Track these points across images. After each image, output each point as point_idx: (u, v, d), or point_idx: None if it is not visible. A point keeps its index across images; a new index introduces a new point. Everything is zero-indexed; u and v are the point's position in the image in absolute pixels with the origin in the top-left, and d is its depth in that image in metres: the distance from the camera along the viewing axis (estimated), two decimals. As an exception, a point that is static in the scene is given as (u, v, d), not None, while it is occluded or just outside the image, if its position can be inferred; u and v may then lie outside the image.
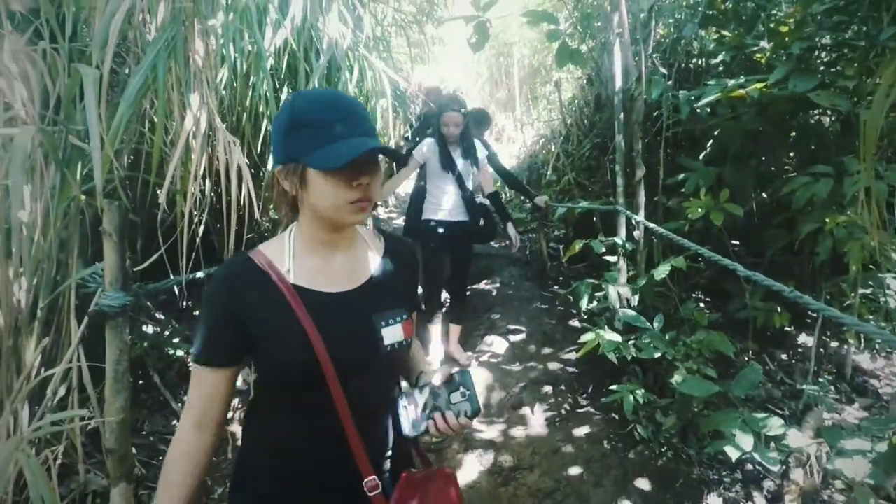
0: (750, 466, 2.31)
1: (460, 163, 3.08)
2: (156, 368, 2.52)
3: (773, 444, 2.03)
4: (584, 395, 2.88)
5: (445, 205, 3.10)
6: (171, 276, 1.95)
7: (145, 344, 2.47)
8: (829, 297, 2.82)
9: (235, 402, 2.65)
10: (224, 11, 1.92)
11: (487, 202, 3.35)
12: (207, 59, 1.85)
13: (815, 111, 2.83)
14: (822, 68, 2.58)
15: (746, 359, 2.92)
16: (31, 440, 1.46)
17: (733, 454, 1.91)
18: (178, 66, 1.74)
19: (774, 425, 2.01)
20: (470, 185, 3.16)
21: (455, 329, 3.36)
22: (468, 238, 3.22)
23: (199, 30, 1.81)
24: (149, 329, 2.58)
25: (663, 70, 3.06)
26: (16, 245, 1.58)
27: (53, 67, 1.62)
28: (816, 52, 2.62)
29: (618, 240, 2.95)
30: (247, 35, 2.00)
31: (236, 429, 2.51)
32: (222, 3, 1.92)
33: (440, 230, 3.09)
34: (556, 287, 4.22)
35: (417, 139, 3.97)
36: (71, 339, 1.64)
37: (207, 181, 1.93)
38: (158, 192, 2.42)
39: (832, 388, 2.84)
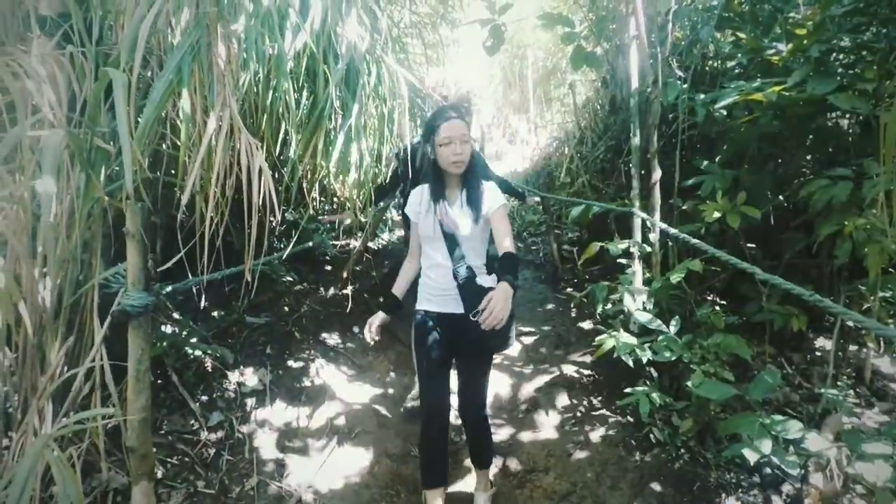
0: (768, 470, 2.29)
1: (458, 217, 1.95)
2: (174, 368, 2.55)
3: (791, 448, 2.02)
4: (599, 398, 2.87)
5: (435, 286, 2.03)
6: (190, 277, 1.97)
7: (164, 344, 2.49)
8: (847, 301, 2.79)
9: (252, 401, 2.68)
10: (246, 16, 1.94)
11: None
12: (230, 63, 1.88)
13: (834, 114, 2.81)
14: (840, 71, 2.56)
15: (763, 362, 2.90)
16: (55, 438, 1.49)
17: (752, 457, 1.90)
18: (201, 69, 1.76)
19: (793, 429, 1.99)
20: (471, 255, 1.98)
21: (482, 478, 2.20)
22: (472, 342, 1.94)
23: (221, 34, 1.83)
24: (167, 329, 2.61)
25: (679, 73, 3.05)
26: (41, 245, 1.61)
27: (80, 71, 1.65)
28: (835, 55, 2.60)
29: (634, 242, 2.94)
30: (268, 39, 2.02)
31: (252, 428, 2.52)
32: (245, 8, 1.95)
33: (429, 323, 2.04)
34: (569, 289, 4.21)
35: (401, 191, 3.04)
36: (94, 338, 1.67)
37: (228, 182, 1.95)
38: (178, 193, 2.46)
39: (851, 391, 2.81)
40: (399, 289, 2.14)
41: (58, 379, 1.64)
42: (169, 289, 1.96)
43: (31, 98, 1.56)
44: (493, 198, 1.96)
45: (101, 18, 1.69)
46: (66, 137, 1.50)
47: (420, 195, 2.08)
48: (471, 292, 1.86)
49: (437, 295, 2.02)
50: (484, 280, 1.91)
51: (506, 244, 1.86)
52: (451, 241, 1.95)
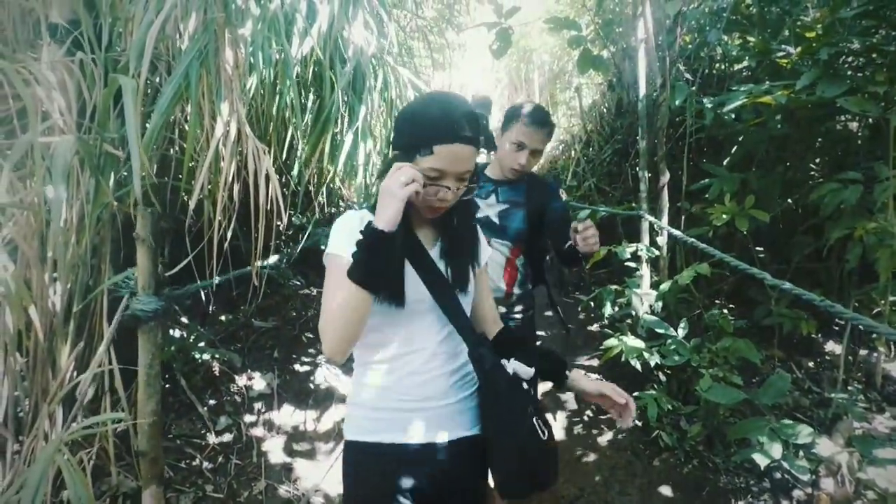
0: (779, 475, 2.27)
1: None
2: (182, 372, 2.55)
3: (802, 453, 2.00)
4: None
5: (410, 392, 1.05)
6: (198, 281, 1.98)
7: (172, 348, 2.50)
8: (857, 305, 2.77)
9: (259, 405, 2.68)
10: (253, 21, 1.95)
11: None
12: (237, 68, 1.89)
13: (843, 117, 2.79)
14: (850, 73, 2.54)
15: (772, 366, 2.87)
16: (66, 442, 1.50)
17: (762, 462, 1.88)
18: (208, 74, 1.77)
19: (803, 433, 1.97)
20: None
21: None
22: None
23: (229, 39, 1.84)
24: (175, 333, 2.62)
25: (687, 76, 3.04)
26: (51, 250, 1.62)
27: (90, 77, 1.66)
28: (844, 58, 2.58)
29: (642, 245, 2.93)
30: (274, 44, 2.03)
31: (260, 432, 2.53)
32: (252, 13, 1.96)
33: (387, 470, 1.04)
34: (576, 293, 4.19)
35: None
36: (103, 342, 1.68)
37: (235, 187, 1.96)
38: (185, 197, 2.47)
39: (862, 396, 2.78)
40: None
41: (68, 384, 1.65)
42: (178, 293, 1.97)
43: (42, 104, 1.58)
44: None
45: (110, 25, 1.70)
46: (77, 143, 1.51)
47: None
48: (499, 391, 1.01)
49: (413, 409, 1.04)
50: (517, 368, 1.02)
51: (495, 314, 1.20)
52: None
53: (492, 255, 1.41)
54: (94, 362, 1.57)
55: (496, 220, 1.77)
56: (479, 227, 1.21)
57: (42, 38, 1.63)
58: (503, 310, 1.78)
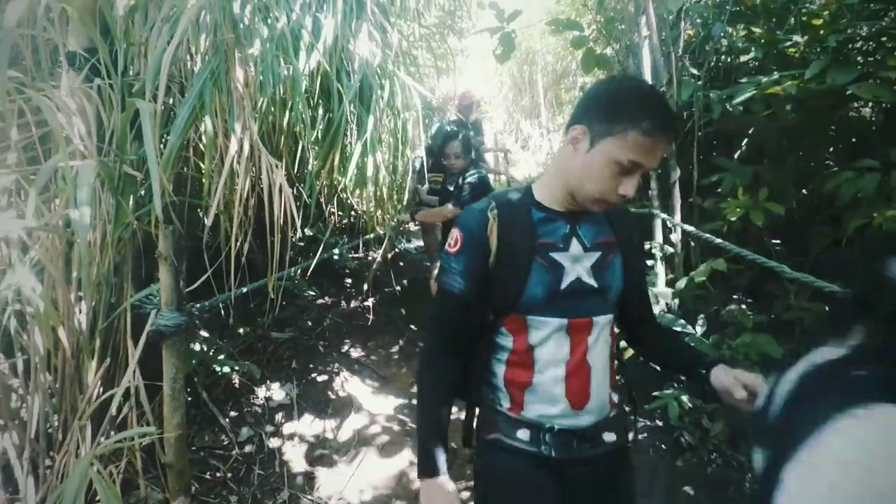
0: (805, 472, 2.23)
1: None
2: (203, 385, 2.60)
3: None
4: (626, 402, 2.83)
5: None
6: (216, 294, 2.02)
7: (193, 361, 2.55)
8: (879, 295, 2.71)
9: (280, 416, 2.72)
10: (262, 40, 2.00)
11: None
12: (247, 87, 1.94)
13: (856, 104, 2.75)
14: (860, 59, 2.51)
15: (794, 362, 2.82)
16: (96, 456, 1.54)
17: (787, 460, 1.85)
18: (221, 94, 1.82)
19: (830, 429, 1.94)
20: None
21: None
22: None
23: (239, 59, 1.89)
24: (196, 347, 2.67)
25: (693, 70, 3.03)
26: (76, 270, 1.67)
27: (108, 102, 1.71)
28: (853, 44, 2.55)
29: (656, 243, 2.92)
30: (283, 61, 2.07)
31: (281, 442, 2.56)
32: (260, 33, 2.00)
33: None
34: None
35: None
36: (128, 358, 1.72)
37: (250, 202, 2.00)
38: (201, 214, 2.52)
39: (889, 389, 2.73)
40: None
41: (95, 400, 1.69)
42: (200, 307, 2.01)
43: (63, 130, 1.63)
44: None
45: (125, 51, 1.76)
46: (98, 166, 1.56)
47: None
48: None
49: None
50: None
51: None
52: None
53: None
54: (126, 378, 1.61)
55: (591, 280, 1.06)
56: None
57: (61, 66, 1.68)
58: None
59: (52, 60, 1.85)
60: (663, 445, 2.47)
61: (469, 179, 3.13)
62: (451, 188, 3.25)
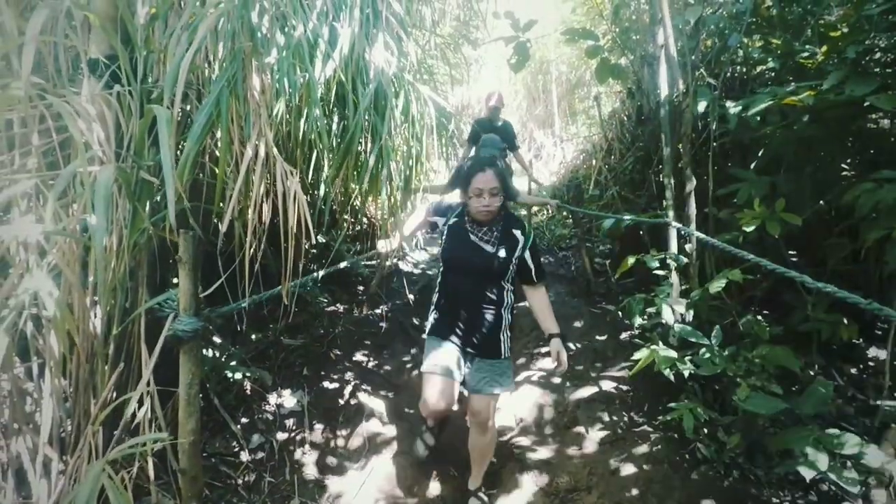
0: (825, 487, 2.18)
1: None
2: (215, 391, 2.60)
3: (849, 464, 1.92)
4: (640, 414, 2.80)
5: None
6: (230, 300, 2.02)
7: (206, 367, 2.55)
8: (899, 308, 2.66)
9: (291, 423, 2.71)
10: (278, 48, 2.01)
11: None
12: (264, 94, 1.95)
13: (874, 115, 2.72)
14: (879, 71, 2.49)
15: (812, 374, 2.78)
16: (108, 461, 1.54)
17: (808, 474, 1.81)
18: (237, 101, 1.83)
19: (851, 443, 1.90)
20: None
21: None
22: None
23: (255, 67, 1.90)
24: (209, 353, 2.67)
25: (710, 80, 3.01)
26: (92, 275, 1.68)
27: (127, 109, 1.73)
28: (872, 55, 2.53)
29: (671, 254, 2.89)
30: (299, 69, 2.09)
31: (292, 449, 2.55)
32: (276, 41, 2.02)
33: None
34: (603, 303, 4.14)
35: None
36: (141, 363, 1.72)
37: (265, 208, 2.01)
38: (216, 220, 2.53)
39: (910, 404, 2.66)
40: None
41: (109, 405, 1.70)
42: (217, 313, 2.01)
43: (83, 136, 1.65)
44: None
45: (144, 58, 1.78)
46: (115, 172, 1.57)
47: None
48: None
49: None
50: None
51: None
52: None
53: None
54: (142, 384, 1.61)
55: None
56: None
57: (82, 73, 1.71)
58: None
59: (73, 67, 1.88)
60: (678, 458, 2.43)
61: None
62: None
